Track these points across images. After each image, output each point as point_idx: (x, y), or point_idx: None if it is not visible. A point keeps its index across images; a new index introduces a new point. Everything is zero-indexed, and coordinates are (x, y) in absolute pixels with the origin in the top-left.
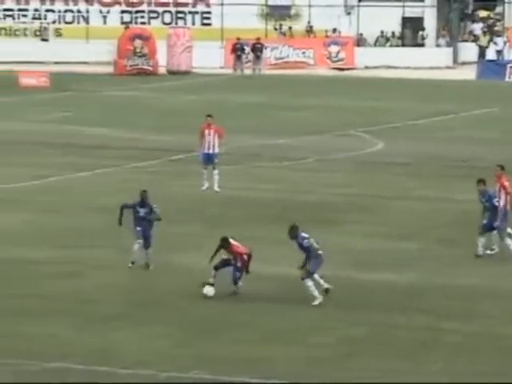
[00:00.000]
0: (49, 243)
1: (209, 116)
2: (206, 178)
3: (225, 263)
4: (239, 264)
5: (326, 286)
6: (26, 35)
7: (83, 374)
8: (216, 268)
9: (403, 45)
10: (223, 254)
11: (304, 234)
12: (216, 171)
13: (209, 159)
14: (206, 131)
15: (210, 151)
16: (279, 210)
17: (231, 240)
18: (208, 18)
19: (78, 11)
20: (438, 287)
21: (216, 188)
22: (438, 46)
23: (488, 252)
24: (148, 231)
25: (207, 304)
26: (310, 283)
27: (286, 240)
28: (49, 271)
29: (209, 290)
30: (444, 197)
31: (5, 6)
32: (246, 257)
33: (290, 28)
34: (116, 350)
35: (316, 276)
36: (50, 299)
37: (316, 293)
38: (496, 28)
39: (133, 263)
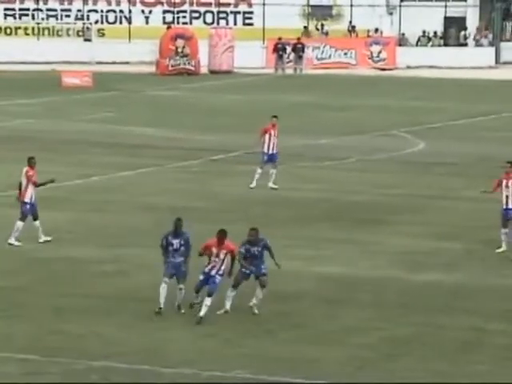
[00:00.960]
0: (94, 242)
1: (274, 117)
2: (258, 178)
3: (205, 281)
4: (223, 268)
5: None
6: (68, 35)
7: (126, 373)
8: (197, 291)
9: (445, 44)
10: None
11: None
12: (275, 170)
13: (271, 159)
14: (272, 132)
15: (274, 151)
16: (323, 210)
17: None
18: (250, 18)
19: (121, 11)
20: (484, 288)
21: (273, 185)
22: (480, 45)
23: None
24: (180, 266)
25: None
26: (231, 294)
27: (331, 239)
28: (94, 270)
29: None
30: (487, 197)
31: (48, 7)
32: (231, 256)
33: (322, 26)
34: (161, 349)
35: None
36: (96, 298)
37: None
38: None
39: (160, 309)
